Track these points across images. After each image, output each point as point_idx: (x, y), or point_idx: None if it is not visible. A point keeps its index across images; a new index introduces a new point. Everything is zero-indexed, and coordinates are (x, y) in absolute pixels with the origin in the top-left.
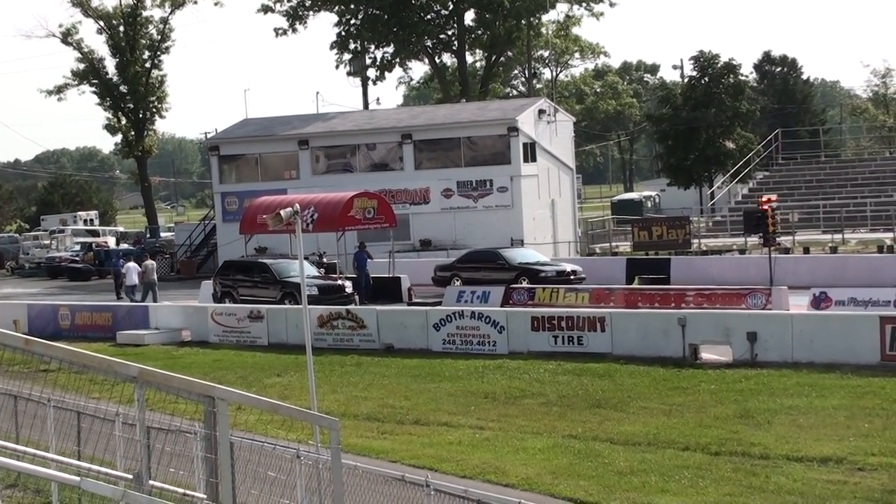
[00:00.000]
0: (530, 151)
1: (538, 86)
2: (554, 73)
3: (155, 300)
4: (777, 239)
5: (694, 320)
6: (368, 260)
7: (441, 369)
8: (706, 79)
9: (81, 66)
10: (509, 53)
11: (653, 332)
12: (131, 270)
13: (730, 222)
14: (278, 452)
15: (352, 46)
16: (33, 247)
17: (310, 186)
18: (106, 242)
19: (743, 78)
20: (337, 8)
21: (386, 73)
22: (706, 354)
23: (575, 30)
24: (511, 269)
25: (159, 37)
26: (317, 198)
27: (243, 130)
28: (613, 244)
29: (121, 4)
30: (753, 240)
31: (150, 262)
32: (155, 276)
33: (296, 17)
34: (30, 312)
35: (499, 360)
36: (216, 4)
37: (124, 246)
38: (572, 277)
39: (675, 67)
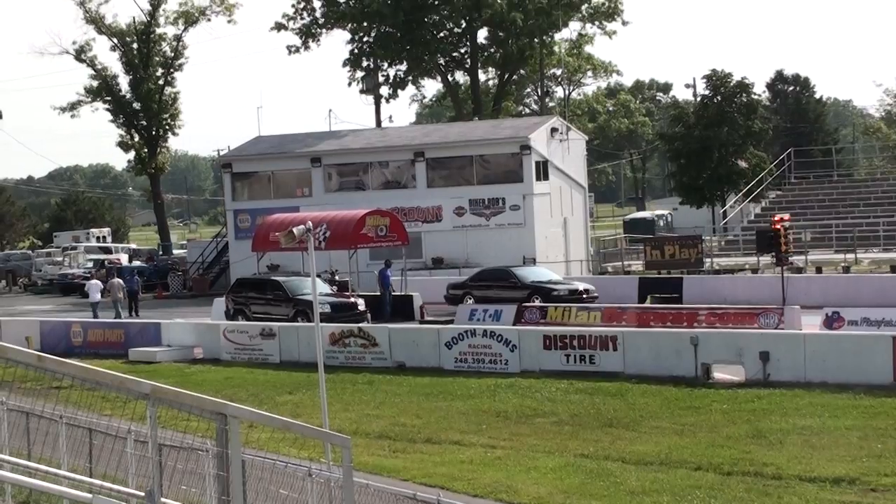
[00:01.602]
0: (542, 170)
1: (551, 104)
2: (566, 92)
3: (117, 317)
4: (789, 258)
5: (706, 340)
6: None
7: (453, 388)
8: (719, 98)
9: (95, 83)
10: (522, 72)
11: (665, 352)
12: (93, 287)
13: (742, 241)
14: (290, 470)
15: (364, 64)
16: (46, 264)
17: (322, 204)
18: (118, 259)
19: (755, 97)
20: (350, 26)
21: (399, 91)
22: (718, 374)
23: (587, 48)
24: (523, 288)
25: (172, 54)
26: (329, 215)
27: (256, 148)
28: (626, 263)
29: (134, 22)
30: (766, 259)
31: (116, 281)
32: (120, 295)
33: (309, 34)
34: (42, 329)
35: (511, 378)
36: (229, 22)
37: (136, 263)
38: (585, 296)
39: (687, 86)
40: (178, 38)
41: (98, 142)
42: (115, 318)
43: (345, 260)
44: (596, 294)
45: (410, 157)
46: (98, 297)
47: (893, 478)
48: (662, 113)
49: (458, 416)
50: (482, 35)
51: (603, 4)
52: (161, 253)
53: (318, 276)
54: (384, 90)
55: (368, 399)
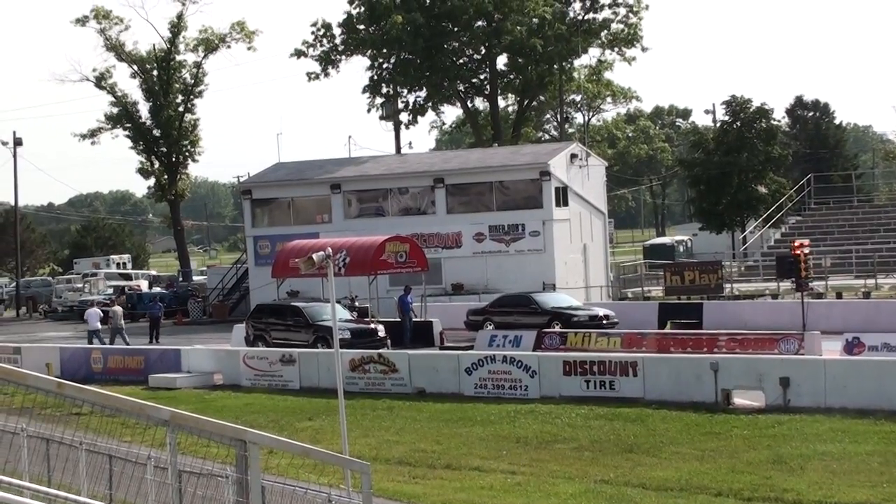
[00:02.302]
0: (562, 196)
1: (570, 130)
2: (586, 118)
3: (126, 344)
4: (810, 284)
5: (726, 365)
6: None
7: (473, 413)
8: (738, 123)
9: (115, 109)
10: (541, 98)
11: (685, 377)
12: (92, 316)
13: (762, 267)
14: (310, 497)
15: (384, 90)
16: (66, 290)
17: (342, 230)
18: (139, 286)
19: (775, 122)
20: (369, 52)
21: (418, 117)
22: (738, 399)
23: (607, 74)
24: (543, 314)
25: (192, 81)
26: (349, 241)
27: (276, 174)
28: (645, 289)
29: (154, 49)
30: (786, 284)
31: (116, 308)
32: (122, 322)
33: (328, 61)
34: (62, 356)
35: (531, 404)
36: (249, 49)
37: (157, 289)
38: (605, 322)
39: (707, 112)
40: (198, 65)
41: (118, 168)
42: (111, 344)
43: (365, 286)
44: (616, 320)
45: (430, 183)
46: (97, 324)
47: None
48: (682, 139)
49: (477, 442)
50: (502, 61)
51: (622, 31)
52: (181, 279)
53: (338, 302)
54: (404, 116)
55: (388, 425)
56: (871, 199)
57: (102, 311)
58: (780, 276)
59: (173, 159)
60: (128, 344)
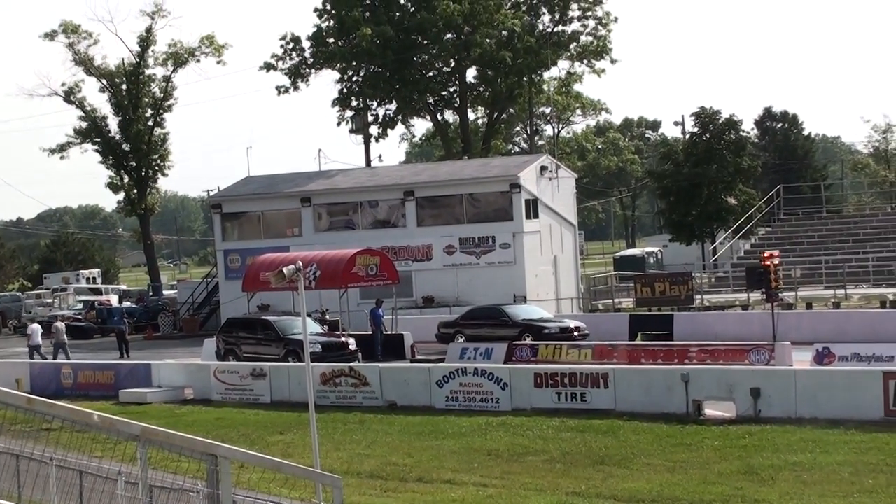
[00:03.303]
0: (532, 208)
1: (540, 142)
2: (556, 130)
3: (67, 358)
4: (780, 294)
5: (697, 376)
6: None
7: (444, 426)
8: (707, 135)
9: (84, 124)
10: (511, 110)
11: (656, 389)
12: (35, 332)
13: (732, 278)
14: None
15: (354, 103)
16: (35, 305)
17: (312, 244)
18: (108, 300)
19: (744, 134)
20: (339, 65)
21: (388, 130)
22: (709, 410)
23: (576, 87)
24: (514, 326)
25: (162, 95)
26: (319, 255)
27: (246, 188)
28: (616, 300)
29: (123, 63)
30: (756, 295)
31: (59, 325)
32: (64, 338)
33: (298, 75)
34: (32, 371)
35: (502, 416)
36: (219, 63)
37: (126, 304)
38: (576, 334)
39: (676, 124)
40: (167, 80)
41: (87, 183)
42: (54, 359)
43: (335, 299)
44: (587, 331)
45: (400, 196)
46: (38, 340)
47: None
48: (651, 150)
49: (449, 455)
50: (471, 74)
51: (591, 43)
52: (151, 294)
53: (309, 315)
54: (373, 129)
55: (359, 438)
56: (839, 209)
57: (44, 326)
58: (750, 287)
59: (143, 174)
60: (69, 359)
